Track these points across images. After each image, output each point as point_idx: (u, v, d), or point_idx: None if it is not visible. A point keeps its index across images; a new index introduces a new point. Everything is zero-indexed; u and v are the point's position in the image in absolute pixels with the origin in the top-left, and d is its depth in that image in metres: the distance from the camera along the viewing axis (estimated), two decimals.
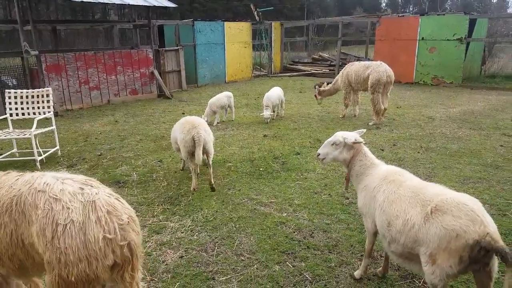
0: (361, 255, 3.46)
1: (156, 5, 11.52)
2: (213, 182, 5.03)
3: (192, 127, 4.86)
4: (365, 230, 3.89)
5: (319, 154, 3.21)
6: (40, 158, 5.98)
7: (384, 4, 75.45)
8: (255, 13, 17.48)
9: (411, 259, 2.63)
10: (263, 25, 17.90)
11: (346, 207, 4.46)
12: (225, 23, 15.96)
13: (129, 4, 11.04)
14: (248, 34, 17.11)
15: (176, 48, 13.72)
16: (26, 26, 10.24)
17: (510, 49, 20.95)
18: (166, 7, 12.37)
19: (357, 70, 8.69)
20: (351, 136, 3.08)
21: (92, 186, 2.12)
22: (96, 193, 2.06)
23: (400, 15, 17.40)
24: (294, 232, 3.94)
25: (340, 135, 3.12)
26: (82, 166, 6.00)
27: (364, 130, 3.41)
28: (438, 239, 2.33)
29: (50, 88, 6.55)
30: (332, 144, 3.13)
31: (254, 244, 3.73)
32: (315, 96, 9.71)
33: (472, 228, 2.22)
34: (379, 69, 8.24)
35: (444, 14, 15.26)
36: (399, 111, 9.79)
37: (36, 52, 9.79)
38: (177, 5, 12.91)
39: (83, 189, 2.08)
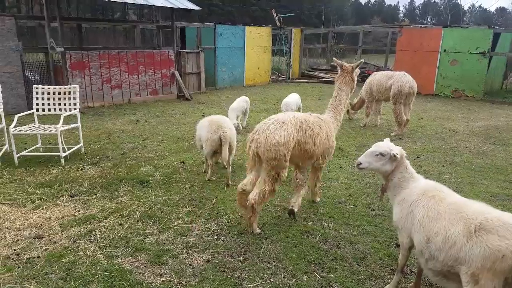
0: (391, 269, 3.41)
1: (181, 7, 11.62)
2: (229, 182, 5.31)
3: (218, 126, 5.18)
4: (393, 244, 3.85)
5: (361, 163, 3.06)
6: (64, 154, 6.04)
7: (402, 14, 75.02)
8: (276, 18, 17.51)
9: (449, 278, 2.56)
10: (283, 31, 17.92)
11: (372, 219, 4.40)
12: (246, 27, 16.01)
13: (154, 6, 11.16)
14: (268, 39, 17.13)
15: (197, 50, 13.80)
16: (52, 23, 10.42)
17: None
18: (189, 10, 12.46)
19: (380, 80, 8.63)
20: (396, 149, 3.01)
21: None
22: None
23: (422, 26, 17.24)
24: (320, 242, 3.89)
25: (387, 146, 3.01)
26: (105, 164, 6.04)
27: (400, 148, 3.33)
28: (482, 259, 2.27)
29: (77, 86, 6.61)
30: (377, 155, 3.00)
31: (280, 251, 3.70)
32: (347, 111, 9.32)
33: None
34: (402, 79, 8.17)
35: (467, 27, 15.08)
36: (421, 123, 9.67)
37: (62, 49, 9.96)
38: (200, 8, 13.01)
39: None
